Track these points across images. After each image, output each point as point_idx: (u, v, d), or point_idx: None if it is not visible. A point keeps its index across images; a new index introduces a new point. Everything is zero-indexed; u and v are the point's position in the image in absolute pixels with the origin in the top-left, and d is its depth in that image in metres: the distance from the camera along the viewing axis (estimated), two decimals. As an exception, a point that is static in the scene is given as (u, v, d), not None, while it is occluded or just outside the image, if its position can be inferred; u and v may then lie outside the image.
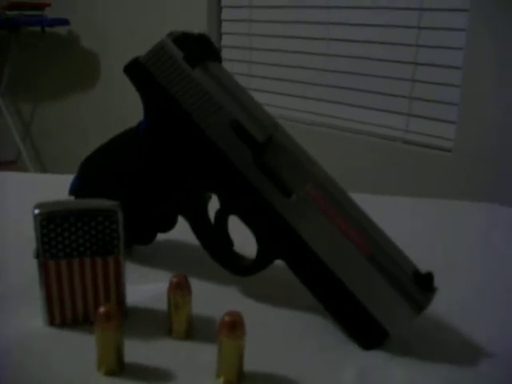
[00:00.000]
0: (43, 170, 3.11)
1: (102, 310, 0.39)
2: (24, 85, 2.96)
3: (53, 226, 0.43)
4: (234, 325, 0.38)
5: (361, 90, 1.83)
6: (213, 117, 0.47)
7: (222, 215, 0.50)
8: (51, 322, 0.45)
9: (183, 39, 0.48)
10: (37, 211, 0.43)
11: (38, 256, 0.44)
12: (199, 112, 0.48)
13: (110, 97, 2.74)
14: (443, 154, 1.67)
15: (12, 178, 0.90)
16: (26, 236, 0.55)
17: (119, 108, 2.70)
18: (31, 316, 0.46)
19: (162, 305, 0.46)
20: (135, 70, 0.50)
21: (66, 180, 0.56)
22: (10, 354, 0.42)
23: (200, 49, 0.49)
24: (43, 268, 0.44)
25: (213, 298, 0.49)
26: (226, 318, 0.39)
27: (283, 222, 0.47)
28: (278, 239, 0.47)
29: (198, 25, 2.19)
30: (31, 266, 0.45)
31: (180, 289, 0.44)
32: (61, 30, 2.77)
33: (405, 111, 1.75)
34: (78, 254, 0.44)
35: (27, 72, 2.91)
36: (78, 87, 2.88)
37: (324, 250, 0.46)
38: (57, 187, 0.60)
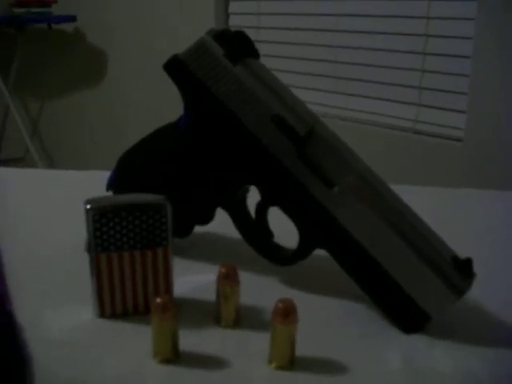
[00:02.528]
0: (51, 166, 3.13)
1: (158, 300, 0.40)
2: (31, 82, 2.98)
3: (104, 221, 0.44)
4: (288, 311, 0.40)
5: (371, 81, 1.84)
6: (254, 112, 0.49)
7: (263, 207, 0.52)
8: (102, 314, 0.47)
9: (223, 36, 0.50)
10: (89, 206, 0.44)
11: (89, 249, 0.45)
12: (241, 107, 0.49)
13: (116, 93, 2.75)
14: (453, 144, 1.69)
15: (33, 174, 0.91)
16: (69, 230, 0.57)
17: (125, 105, 2.71)
18: (81, 309, 0.47)
19: (207, 295, 0.48)
20: (175, 67, 0.51)
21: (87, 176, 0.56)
22: (63, 346, 0.43)
23: (240, 45, 0.50)
24: (95, 261, 0.45)
25: (256, 287, 0.50)
26: (280, 305, 0.40)
27: (326, 212, 0.48)
28: (320, 229, 0.49)
29: (205, 19, 2.20)
30: (76, 260, 0.47)
31: (229, 279, 0.45)
32: (67, 26, 2.78)
33: (415, 101, 1.76)
34: (128, 246, 0.45)
35: (34, 69, 2.92)
36: (85, 84, 2.90)
37: (366, 237, 0.47)
38: (80, 183, 0.61)
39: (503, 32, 1.50)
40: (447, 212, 0.72)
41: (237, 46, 0.50)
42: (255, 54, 0.52)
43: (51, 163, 3.13)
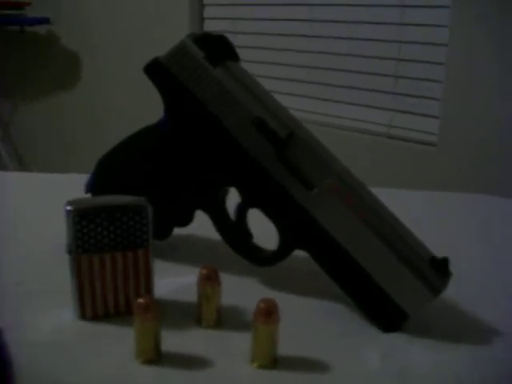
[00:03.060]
0: (23, 170, 3.09)
1: (141, 300, 0.41)
2: (3, 85, 2.94)
3: (85, 222, 0.44)
4: (270, 311, 0.40)
5: (345, 87, 1.86)
6: (235, 114, 0.49)
7: (243, 209, 0.52)
8: (83, 316, 0.47)
9: (203, 39, 0.50)
10: (69, 207, 0.44)
11: (70, 251, 0.45)
12: (221, 110, 0.49)
13: (91, 96, 2.73)
14: (427, 149, 1.71)
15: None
16: (48, 232, 0.57)
17: (101, 107, 2.69)
18: (62, 311, 0.47)
19: (188, 296, 0.48)
20: (156, 70, 0.51)
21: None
22: (45, 348, 0.43)
23: (220, 49, 0.50)
24: (75, 263, 0.45)
25: (237, 288, 0.50)
26: (262, 305, 0.41)
27: (305, 213, 0.49)
28: (299, 230, 0.50)
29: (180, 24, 2.20)
30: (57, 262, 0.47)
31: (210, 280, 0.46)
32: (41, 28, 2.75)
33: (389, 106, 1.78)
34: (109, 248, 0.45)
35: (7, 72, 2.88)
36: (60, 87, 2.87)
37: (345, 238, 0.48)
38: (58, 186, 0.61)
39: (476, 38, 1.53)
40: (423, 214, 0.74)
41: (217, 49, 0.50)
42: (236, 58, 0.52)
43: (23, 167, 3.10)
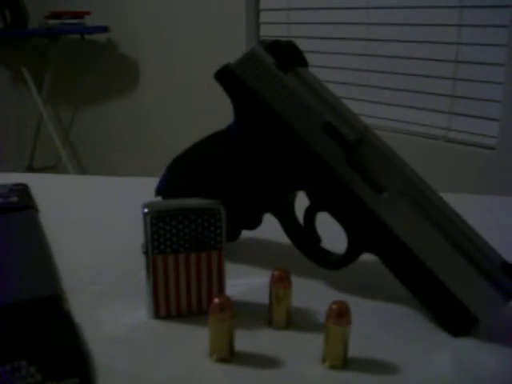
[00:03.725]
0: (83, 174, 3.18)
1: (216, 300, 0.42)
2: (64, 91, 3.03)
3: (162, 224, 0.46)
4: (342, 312, 0.41)
5: (403, 90, 1.84)
6: (306, 120, 0.50)
7: (311, 212, 0.53)
8: (157, 315, 0.48)
9: (274, 46, 0.51)
10: (147, 210, 0.46)
11: (146, 252, 0.47)
12: (293, 116, 0.50)
13: (147, 102, 2.79)
14: (487, 152, 1.68)
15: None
16: (122, 234, 0.59)
17: (156, 113, 2.74)
18: (136, 310, 0.49)
19: (258, 297, 0.49)
20: (227, 77, 0.53)
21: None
22: (122, 344, 0.45)
23: (290, 55, 0.51)
24: (151, 263, 0.47)
25: (307, 290, 0.51)
26: (334, 306, 0.41)
27: (375, 217, 0.49)
28: (368, 233, 0.50)
29: (236, 29, 2.22)
30: (129, 263, 0.48)
31: (282, 281, 0.46)
32: (100, 37, 2.83)
33: (447, 109, 1.76)
34: (184, 249, 0.47)
35: (67, 79, 2.97)
36: (117, 93, 2.94)
37: (414, 241, 0.48)
38: (128, 189, 0.63)
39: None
40: (489, 218, 0.73)
41: (287, 55, 0.51)
42: (304, 63, 0.53)
43: (82, 171, 3.19)
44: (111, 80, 2.94)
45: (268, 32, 2.23)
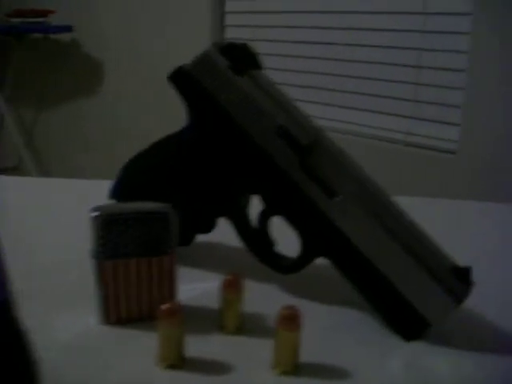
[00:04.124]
0: (45, 175, 3.12)
1: (166, 306, 0.41)
2: (27, 91, 2.98)
3: (110, 228, 0.45)
4: (292, 318, 0.41)
5: (364, 94, 1.86)
6: (259, 123, 0.50)
7: (265, 216, 0.53)
8: (107, 320, 0.47)
9: (228, 49, 0.51)
10: (95, 214, 0.45)
11: (95, 257, 0.46)
12: (246, 118, 0.50)
13: (112, 103, 2.76)
14: (447, 156, 1.70)
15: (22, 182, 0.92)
16: (72, 238, 0.57)
17: (121, 114, 2.72)
18: (85, 316, 0.48)
19: (210, 302, 0.48)
20: (180, 79, 0.52)
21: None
22: (70, 351, 0.44)
23: (244, 58, 0.51)
24: (101, 268, 0.46)
25: (259, 295, 0.50)
26: (284, 311, 0.41)
27: (327, 221, 0.49)
28: (322, 238, 0.50)
29: (200, 32, 2.21)
30: (81, 268, 0.47)
31: (233, 286, 0.46)
32: (64, 36, 2.79)
33: (408, 114, 1.78)
34: (134, 254, 0.46)
35: (30, 79, 2.92)
36: (81, 93, 2.90)
37: (367, 245, 0.48)
38: (81, 191, 0.62)
39: (497, 45, 1.52)
40: (444, 222, 0.73)
41: (241, 58, 0.51)
42: (259, 66, 0.53)
43: (45, 173, 3.13)
44: (76, 80, 2.90)
45: (233, 35, 2.22)
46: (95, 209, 0.46)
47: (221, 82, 0.50)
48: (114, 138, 2.75)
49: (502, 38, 1.51)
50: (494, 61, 1.54)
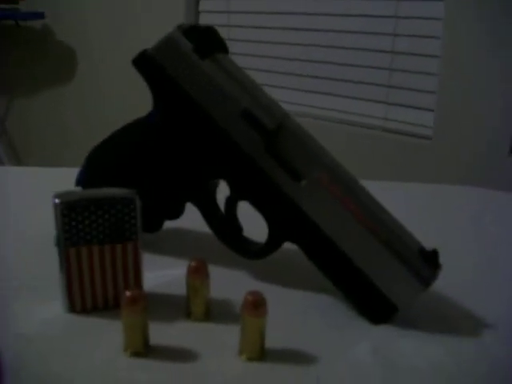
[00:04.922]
0: (19, 165, 3.08)
1: (128, 293, 0.41)
2: (-2, 80, 2.93)
3: (73, 215, 0.44)
4: (257, 304, 0.40)
5: (340, 80, 1.86)
6: (223, 106, 0.49)
7: (232, 201, 0.52)
8: (72, 309, 0.46)
9: (192, 31, 0.50)
10: (57, 200, 0.44)
11: (58, 244, 0.45)
12: (210, 102, 0.49)
13: (87, 91, 2.72)
14: (423, 142, 1.71)
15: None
16: (38, 226, 0.56)
17: (96, 102, 2.69)
18: (51, 304, 0.47)
19: (177, 289, 0.48)
20: (144, 63, 0.51)
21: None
22: (33, 342, 0.43)
23: (209, 41, 0.50)
24: (64, 255, 0.45)
25: (226, 281, 0.50)
26: (249, 298, 0.40)
27: (294, 205, 0.49)
28: (288, 222, 0.50)
29: (175, 17, 2.19)
30: (46, 255, 0.47)
31: (199, 273, 0.45)
32: (35, 23, 2.74)
33: (384, 99, 1.78)
34: (97, 241, 0.45)
35: (2, 67, 2.87)
36: (55, 81, 2.86)
37: (333, 230, 0.48)
38: (49, 180, 0.61)
39: (471, 31, 1.52)
40: (417, 206, 0.74)
41: (206, 41, 0.50)
42: (224, 50, 0.52)
43: (19, 162, 3.09)
44: (49, 68, 2.85)
45: (207, 21, 2.20)
46: (57, 195, 0.45)
47: (184, 65, 0.49)
48: (89, 125, 2.72)
49: (477, 23, 1.51)
50: (468, 46, 1.55)
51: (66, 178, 0.58)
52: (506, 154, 1.53)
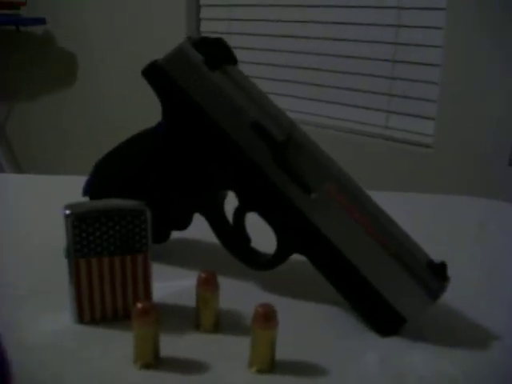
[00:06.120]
0: (20, 171, 3.08)
1: (140, 305, 0.41)
2: (-1, 85, 2.93)
3: (84, 226, 0.44)
4: (268, 316, 0.40)
5: (340, 88, 1.86)
6: (233, 118, 0.49)
7: (240, 213, 0.52)
8: (81, 320, 0.47)
9: (202, 43, 0.50)
10: (68, 212, 0.44)
11: (68, 255, 0.45)
12: (220, 113, 0.50)
13: (87, 96, 2.73)
14: (423, 150, 1.71)
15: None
16: (46, 236, 0.56)
17: (97, 109, 2.69)
18: (60, 315, 0.47)
19: (186, 301, 0.48)
20: (154, 73, 0.51)
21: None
22: (43, 351, 0.43)
23: (218, 52, 0.50)
24: (74, 267, 0.45)
25: (235, 292, 0.50)
26: (260, 310, 0.41)
27: (303, 217, 0.49)
28: (298, 234, 0.50)
29: (176, 25, 2.20)
30: (55, 266, 0.47)
31: (209, 284, 0.46)
32: (37, 29, 2.75)
33: (384, 108, 1.78)
34: (108, 252, 0.45)
35: (2, 72, 2.87)
36: (55, 87, 2.86)
37: (342, 242, 0.48)
38: (55, 188, 0.61)
39: (472, 39, 1.53)
40: (420, 217, 0.74)
41: (215, 52, 0.50)
42: (233, 61, 0.52)
43: (19, 168, 3.09)
44: (49, 73, 2.85)
45: (208, 28, 2.21)
46: (67, 207, 0.45)
47: (195, 76, 0.50)
48: (90, 130, 2.72)
49: (478, 32, 1.52)
50: (469, 55, 1.55)
51: (67, 186, 0.58)
52: (506, 163, 1.54)
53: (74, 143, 2.82)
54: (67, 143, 2.86)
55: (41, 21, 2.61)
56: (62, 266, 0.45)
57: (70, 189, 0.58)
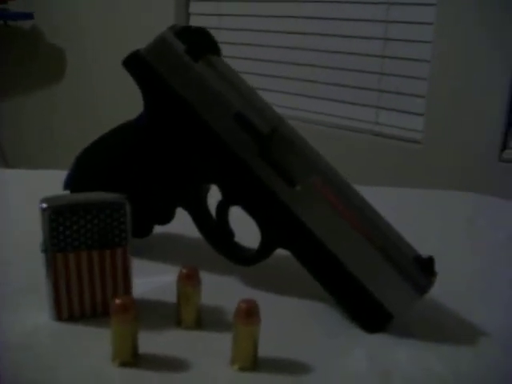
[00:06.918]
0: (6, 166, 3.05)
1: (118, 301, 0.39)
2: (-14, 80, 2.90)
3: (61, 220, 0.43)
4: (250, 312, 0.39)
5: (329, 83, 1.85)
6: (216, 109, 0.48)
7: (223, 206, 0.51)
8: (59, 317, 0.45)
9: (184, 33, 0.49)
10: (44, 205, 0.43)
11: (45, 250, 0.44)
12: (203, 104, 0.48)
13: (76, 92, 2.71)
14: (413, 146, 1.71)
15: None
16: (25, 231, 0.55)
17: (86, 104, 2.67)
18: (37, 312, 0.46)
19: (167, 297, 0.47)
20: (135, 64, 0.50)
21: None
22: (21, 350, 0.42)
23: (201, 42, 0.49)
24: (51, 261, 0.44)
25: (218, 288, 0.49)
26: (242, 306, 0.39)
27: (288, 211, 0.48)
28: (282, 228, 0.49)
29: (165, 19, 2.18)
30: (34, 262, 0.45)
31: (190, 279, 0.44)
32: (25, 24, 2.72)
33: (374, 104, 1.78)
34: (86, 246, 0.44)
35: (-11, 67, 2.84)
36: (44, 82, 2.84)
37: (327, 236, 0.47)
38: (37, 183, 0.60)
39: (461, 35, 1.53)
40: (408, 212, 0.73)
41: (199, 42, 0.49)
42: (217, 52, 0.51)
43: (7, 164, 3.06)
44: (38, 70, 2.83)
45: (198, 23, 2.19)
46: (44, 200, 0.43)
47: (177, 66, 0.48)
48: (79, 126, 2.70)
49: (467, 28, 1.51)
50: (458, 51, 1.55)
51: (54, 181, 0.57)
52: (495, 158, 1.54)
53: (62, 139, 2.79)
54: (56, 139, 2.83)
55: (29, 15, 2.59)
56: (40, 261, 0.44)
57: (56, 183, 0.56)
